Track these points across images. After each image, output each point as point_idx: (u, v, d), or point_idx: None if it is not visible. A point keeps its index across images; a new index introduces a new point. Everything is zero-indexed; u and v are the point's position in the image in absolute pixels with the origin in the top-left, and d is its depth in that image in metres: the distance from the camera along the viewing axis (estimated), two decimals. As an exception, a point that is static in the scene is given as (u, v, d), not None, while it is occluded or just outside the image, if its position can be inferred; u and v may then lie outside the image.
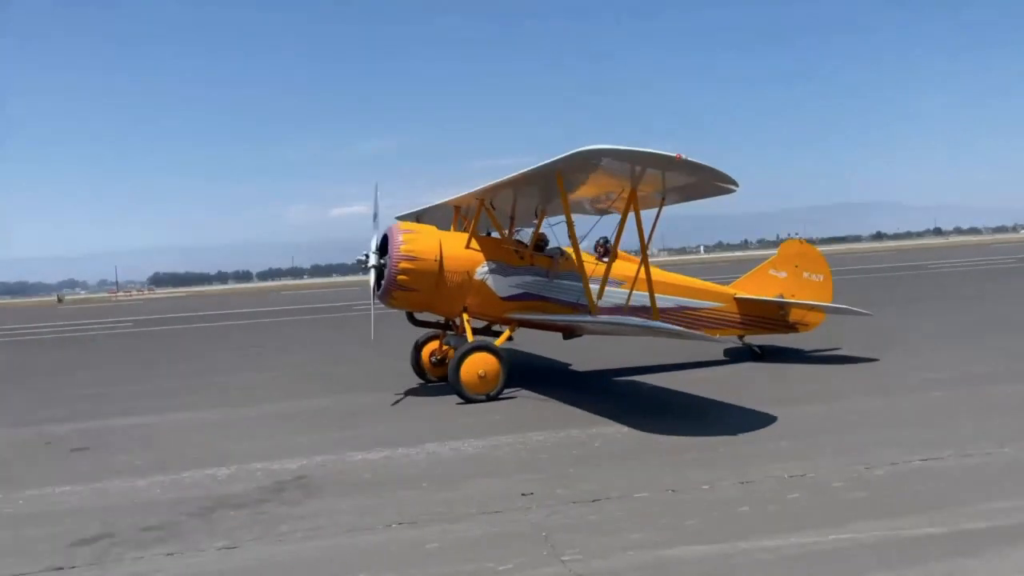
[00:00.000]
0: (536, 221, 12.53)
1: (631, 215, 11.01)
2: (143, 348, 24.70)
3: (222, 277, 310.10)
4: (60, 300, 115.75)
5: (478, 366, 10.85)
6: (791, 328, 14.00)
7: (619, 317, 11.18)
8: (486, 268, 11.74)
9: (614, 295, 12.10)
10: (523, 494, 6.72)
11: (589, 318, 10.87)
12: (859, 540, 5.36)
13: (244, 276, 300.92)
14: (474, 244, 11.91)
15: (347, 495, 7.08)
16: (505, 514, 6.28)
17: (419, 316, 12.81)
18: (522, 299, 11.90)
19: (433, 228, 12.14)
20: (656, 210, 11.63)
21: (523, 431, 9.16)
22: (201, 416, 11.54)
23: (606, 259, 12.58)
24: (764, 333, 13.93)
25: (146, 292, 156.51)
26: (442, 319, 12.88)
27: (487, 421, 9.89)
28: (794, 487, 6.56)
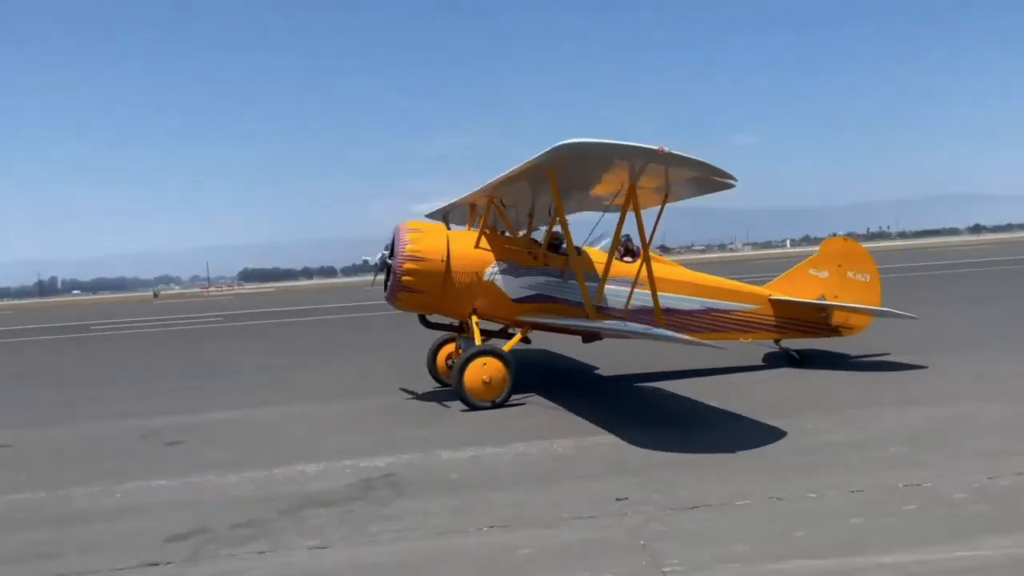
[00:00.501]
0: (550, 218, 12.09)
1: (634, 212, 10.72)
2: (232, 343, 25.33)
3: (307, 272, 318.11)
4: (156, 295, 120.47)
5: (483, 371, 10.48)
6: (834, 332, 13.06)
7: (618, 323, 10.70)
8: (496, 268, 11.40)
9: (633, 297, 11.67)
10: (617, 499, 6.47)
11: (586, 323, 10.45)
12: (989, 559, 4.93)
13: (328, 271, 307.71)
14: (484, 243, 11.54)
15: (436, 495, 6.95)
16: (599, 519, 6.05)
17: (431, 318, 12.46)
18: (535, 301, 11.44)
19: (441, 227, 11.85)
20: (664, 206, 11.35)
21: (614, 430, 8.90)
22: (289, 411, 11.66)
23: (628, 259, 12.24)
24: (803, 337, 13.11)
25: (235, 287, 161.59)
26: (456, 321, 12.54)
27: (575, 421, 9.67)
28: (910, 497, 6.12)
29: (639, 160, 9.14)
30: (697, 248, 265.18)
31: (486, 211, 11.90)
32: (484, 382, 10.47)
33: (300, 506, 6.87)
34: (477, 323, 11.48)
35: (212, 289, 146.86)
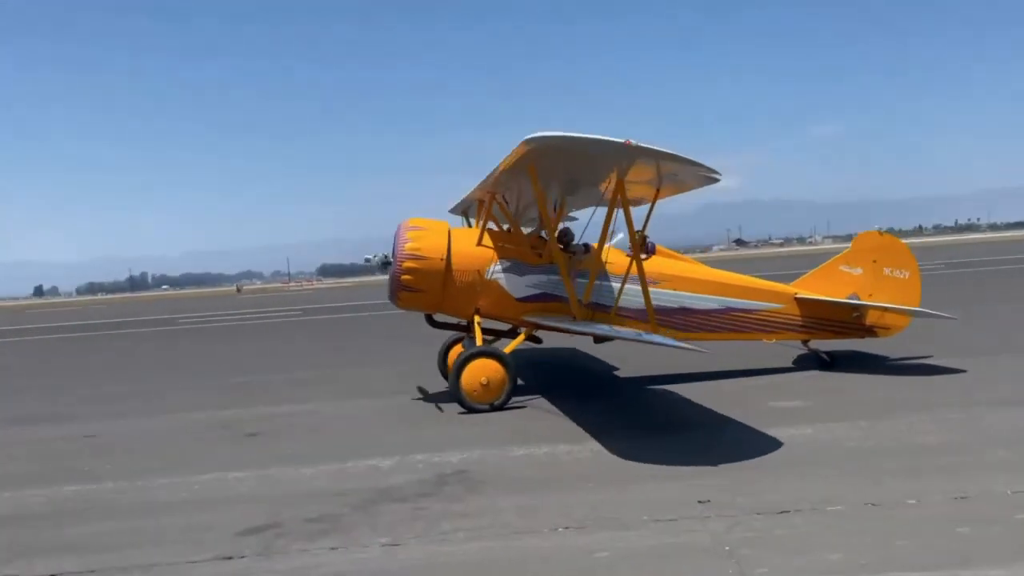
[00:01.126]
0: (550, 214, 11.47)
1: (622, 208, 10.30)
2: (308, 336, 25.71)
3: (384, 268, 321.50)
4: (239, 290, 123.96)
5: (480, 373, 10.16)
6: (868, 332, 12.25)
7: (605, 327, 10.15)
8: (499, 267, 11.07)
9: (638, 297, 11.17)
10: (699, 501, 6.17)
11: (572, 325, 9.96)
12: (1116, 576, 4.47)
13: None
14: (487, 241, 11.24)
15: (510, 493, 6.77)
16: (680, 523, 5.76)
17: (438, 318, 12.15)
18: (540, 300, 11.02)
19: (444, 225, 11.56)
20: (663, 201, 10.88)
21: (689, 430, 8.60)
22: (364, 403, 11.67)
23: (642, 256, 11.71)
24: (833, 337, 12.38)
25: (315, 282, 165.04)
26: (464, 321, 12.25)
27: (657, 418, 9.40)
28: (1021, 505, 5.65)
29: (608, 154, 8.74)
30: (775, 241, 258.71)
31: (488, 207, 11.62)
32: (482, 384, 10.19)
33: (373, 501, 6.77)
34: (479, 323, 11.24)
35: (292, 284, 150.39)
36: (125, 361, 21.54)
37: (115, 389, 15.18)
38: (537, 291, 11.07)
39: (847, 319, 12.19)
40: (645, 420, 9.58)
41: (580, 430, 8.93)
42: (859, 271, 12.38)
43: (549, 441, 8.49)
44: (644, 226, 10.95)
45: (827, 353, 12.50)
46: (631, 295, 11.16)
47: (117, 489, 7.71)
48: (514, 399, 10.53)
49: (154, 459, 8.90)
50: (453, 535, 5.83)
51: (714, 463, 7.22)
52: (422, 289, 11.04)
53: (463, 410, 10.23)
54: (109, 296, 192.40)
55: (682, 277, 11.68)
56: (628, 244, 11.75)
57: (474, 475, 7.38)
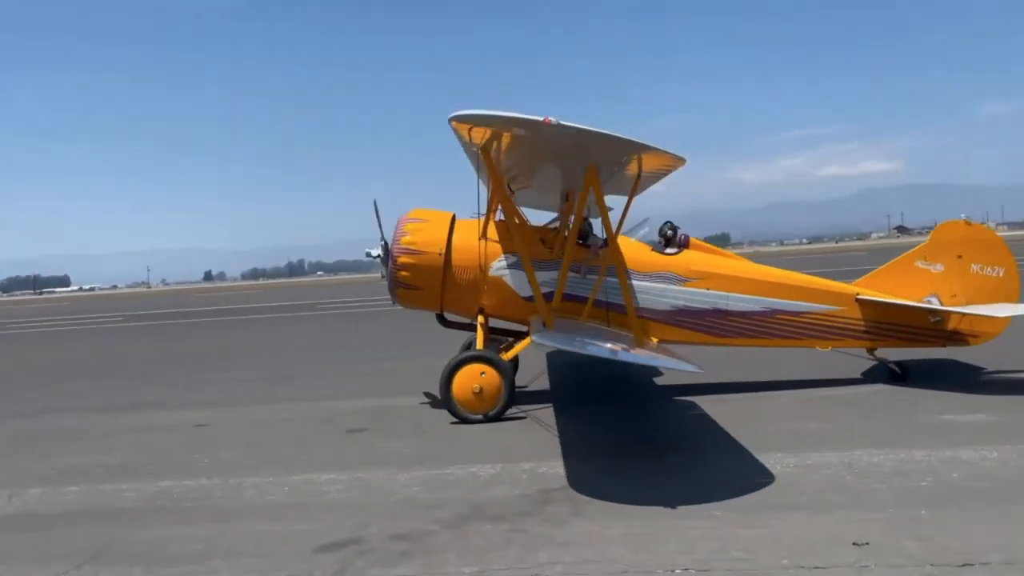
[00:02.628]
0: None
1: (596, 197, 8.81)
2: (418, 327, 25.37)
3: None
4: (383, 276, 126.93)
5: (473, 380, 9.15)
6: (951, 340, 10.37)
7: (570, 339, 8.53)
8: (504, 262, 9.88)
9: (664, 297, 9.91)
10: (855, 543, 4.99)
11: (540, 337, 8.33)
12: None
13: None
14: (492, 234, 10.09)
15: (619, 518, 5.79)
16: (831, 572, 4.62)
17: (450, 317, 10.98)
18: (549, 299, 9.69)
19: (447, 216, 10.44)
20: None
21: (848, 448, 7.30)
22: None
23: (671, 250, 10.32)
24: (905, 345, 10.46)
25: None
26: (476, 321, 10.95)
27: (797, 430, 8.13)
28: None
29: (527, 132, 7.38)
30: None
31: (492, 197, 10.39)
32: (475, 392, 9.18)
33: (466, 518, 5.98)
34: (483, 324, 10.19)
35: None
36: (261, 344, 21.86)
37: (244, 374, 15.22)
38: (546, 289, 9.76)
39: (923, 324, 10.31)
40: (745, 430, 8.27)
41: (696, 438, 7.80)
42: (940, 268, 10.42)
43: (663, 452, 7.43)
44: (620, 221, 9.82)
45: (897, 363, 10.65)
46: (654, 294, 10.01)
47: (206, 488, 7.29)
48: (528, 407, 9.71)
49: (254, 454, 8.48)
50: (550, 569, 4.94)
51: (874, 493, 5.98)
52: (419, 286, 10.22)
53: (455, 420, 9.33)
54: (269, 281, 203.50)
55: (717, 274, 10.22)
56: (658, 237, 10.48)
57: (582, 492, 6.45)
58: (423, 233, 10.23)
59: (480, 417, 9.24)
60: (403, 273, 10.19)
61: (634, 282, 10.02)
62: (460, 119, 7.26)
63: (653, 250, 10.37)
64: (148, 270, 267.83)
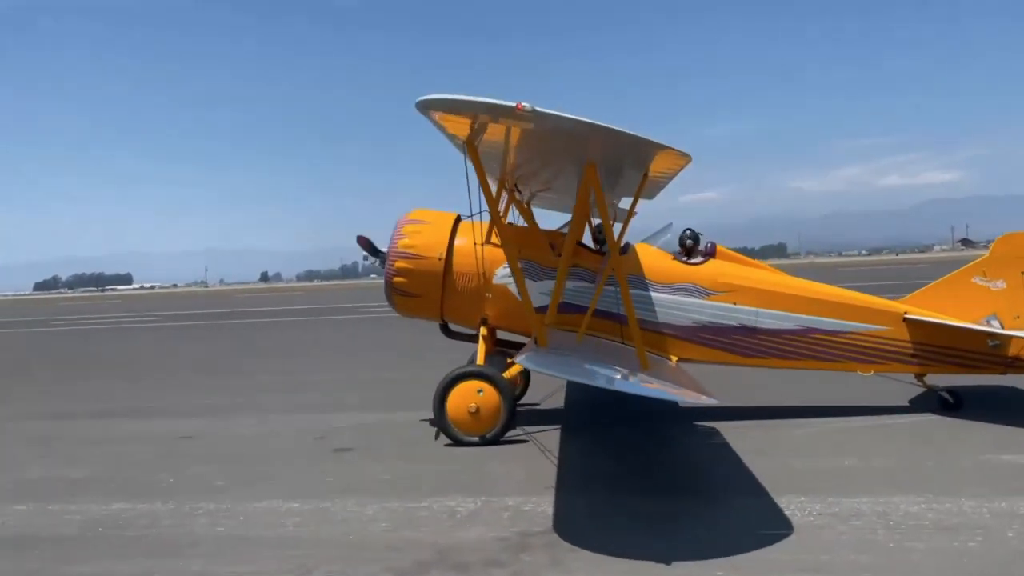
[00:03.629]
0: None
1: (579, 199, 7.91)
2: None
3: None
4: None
5: (469, 398, 8.31)
6: (1012, 367, 9.21)
7: (560, 362, 7.33)
8: (509, 269, 8.83)
9: (686, 311, 8.97)
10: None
11: (524, 357, 6.95)
12: None
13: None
14: (497, 238, 9.11)
15: (602, 573, 4.92)
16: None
17: (455, 327, 10.02)
18: (560, 312, 8.74)
19: (448, 217, 9.53)
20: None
21: (885, 492, 6.30)
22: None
23: (691, 260, 9.32)
24: (959, 371, 9.28)
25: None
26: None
27: (828, 467, 7.13)
28: None
29: (503, 119, 6.33)
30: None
31: (496, 197, 9.34)
32: (471, 412, 8.33)
33: (424, 567, 5.17)
34: (485, 336, 9.30)
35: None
36: (291, 348, 21.29)
37: (259, 380, 14.67)
38: (561, 300, 8.79)
39: (980, 349, 9.13)
40: (768, 465, 7.27)
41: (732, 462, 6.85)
42: (1001, 285, 9.24)
43: (673, 491, 6.49)
44: (625, 225, 8.98)
45: (950, 391, 9.44)
46: (674, 308, 9.07)
47: (156, 514, 6.57)
48: (534, 428, 8.86)
49: (222, 475, 7.76)
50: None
51: (897, 554, 4.99)
52: (417, 293, 9.37)
53: (449, 442, 8.50)
54: (322, 283, 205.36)
55: (745, 287, 9.19)
56: (678, 246, 9.47)
57: (566, 538, 5.57)
58: (422, 236, 9.41)
59: (476, 440, 8.41)
60: (399, 279, 9.38)
61: (652, 294, 9.10)
62: (426, 104, 6.33)
63: (675, 259, 9.41)
64: (206, 269, 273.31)
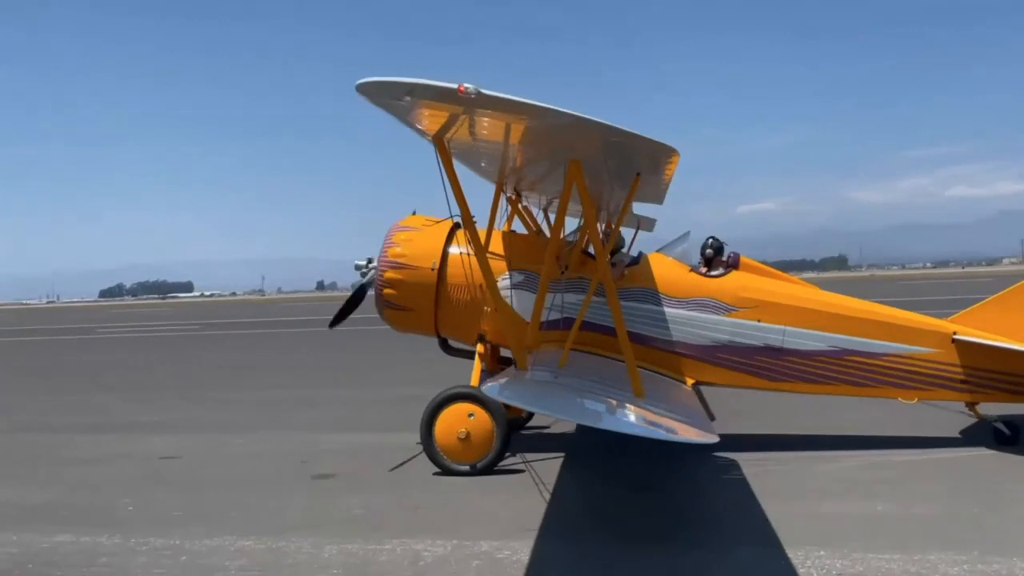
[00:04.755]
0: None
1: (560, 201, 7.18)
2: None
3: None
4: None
5: (459, 422, 7.52)
6: None
7: (544, 392, 6.34)
8: (507, 281, 8.13)
9: (704, 329, 8.08)
10: None
11: (498, 384, 6.11)
12: None
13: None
14: (496, 247, 8.37)
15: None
16: None
17: (454, 343, 9.20)
18: (564, 328, 7.91)
19: (443, 224, 8.69)
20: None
21: (921, 547, 5.35)
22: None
23: (711, 272, 8.41)
24: (1017, 401, 8.16)
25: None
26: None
27: (856, 513, 6.20)
28: None
29: (445, 104, 5.44)
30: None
31: (494, 203, 8.66)
32: (460, 438, 7.56)
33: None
34: (482, 354, 8.51)
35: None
36: (317, 361, 20.73)
37: (269, 395, 14.21)
38: (559, 315, 8.02)
39: None
40: (787, 508, 6.33)
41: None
42: None
43: (655, 540, 5.64)
44: (614, 231, 8.23)
45: (1006, 422, 8.30)
46: (690, 325, 8.21)
47: (96, 550, 5.94)
48: (534, 456, 8.10)
49: (185, 504, 7.14)
50: None
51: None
52: (409, 307, 8.64)
53: (437, 470, 7.73)
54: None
55: (772, 303, 8.25)
56: (699, 258, 8.64)
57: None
58: (414, 244, 8.66)
59: (467, 468, 7.65)
60: (389, 291, 8.64)
61: (666, 309, 8.24)
62: (364, 87, 5.49)
63: (692, 271, 8.52)
64: (263, 278, 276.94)
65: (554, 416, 6.77)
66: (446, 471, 7.69)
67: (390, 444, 9.20)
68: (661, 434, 5.65)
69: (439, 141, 6.21)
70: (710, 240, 8.73)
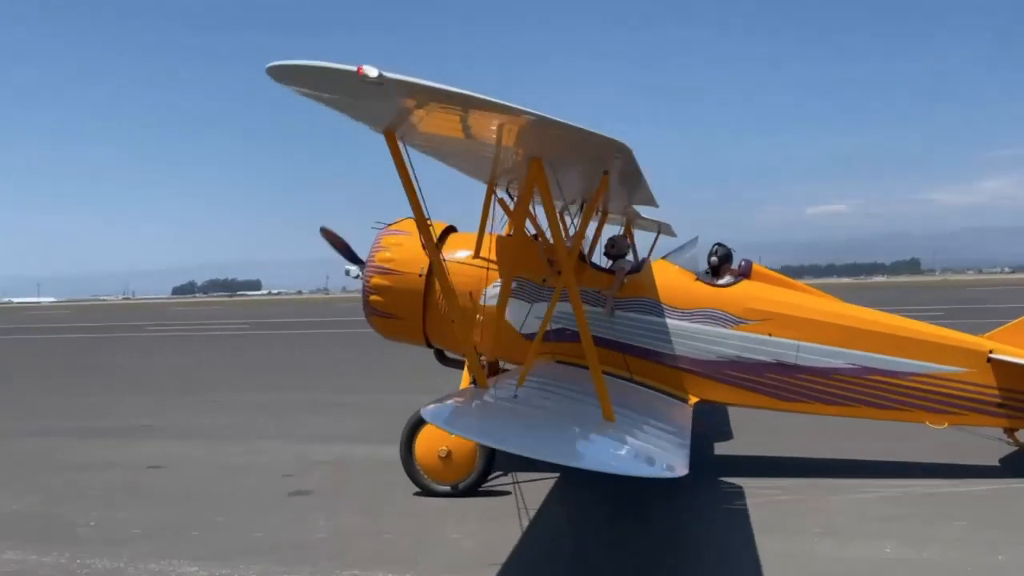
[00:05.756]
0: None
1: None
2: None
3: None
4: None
5: (439, 440, 7.07)
6: None
7: (500, 422, 5.48)
8: (499, 289, 7.31)
9: (711, 343, 7.45)
10: None
11: (433, 405, 5.17)
12: None
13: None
14: (489, 252, 7.90)
15: None
16: None
17: (449, 352, 8.59)
18: (559, 340, 7.41)
19: (434, 228, 7.63)
20: None
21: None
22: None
23: (718, 281, 7.74)
24: None
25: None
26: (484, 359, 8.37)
27: (869, 557, 5.52)
28: None
29: (349, 88, 4.68)
30: None
31: (485, 204, 8.05)
32: (440, 456, 7.14)
33: None
34: (470, 366, 7.60)
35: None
36: (349, 362, 20.52)
37: (277, 397, 14.23)
38: (555, 326, 7.33)
39: None
40: (792, 548, 5.66)
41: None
42: None
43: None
44: (593, 235, 7.97)
45: None
46: (694, 338, 7.52)
47: (42, 571, 5.71)
48: (525, 476, 7.62)
49: (145, 521, 6.81)
50: None
51: None
52: (396, 314, 8.12)
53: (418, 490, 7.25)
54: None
55: (785, 315, 7.52)
56: (705, 265, 7.98)
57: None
58: (403, 249, 8.16)
59: (448, 489, 7.19)
60: (376, 297, 8.17)
61: (668, 321, 7.61)
62: (274, 70, 4.91)
63: (698, 279, 7.87)
64: (327, 277, 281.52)
65: (493, 446, 6.24)
66: (426, 491, 7.23)
67: (381, 458, 8.71)
68: (621, 470, 5.04)
69: (388, 134, 5.69)
70: (717, 246, 8.09)
